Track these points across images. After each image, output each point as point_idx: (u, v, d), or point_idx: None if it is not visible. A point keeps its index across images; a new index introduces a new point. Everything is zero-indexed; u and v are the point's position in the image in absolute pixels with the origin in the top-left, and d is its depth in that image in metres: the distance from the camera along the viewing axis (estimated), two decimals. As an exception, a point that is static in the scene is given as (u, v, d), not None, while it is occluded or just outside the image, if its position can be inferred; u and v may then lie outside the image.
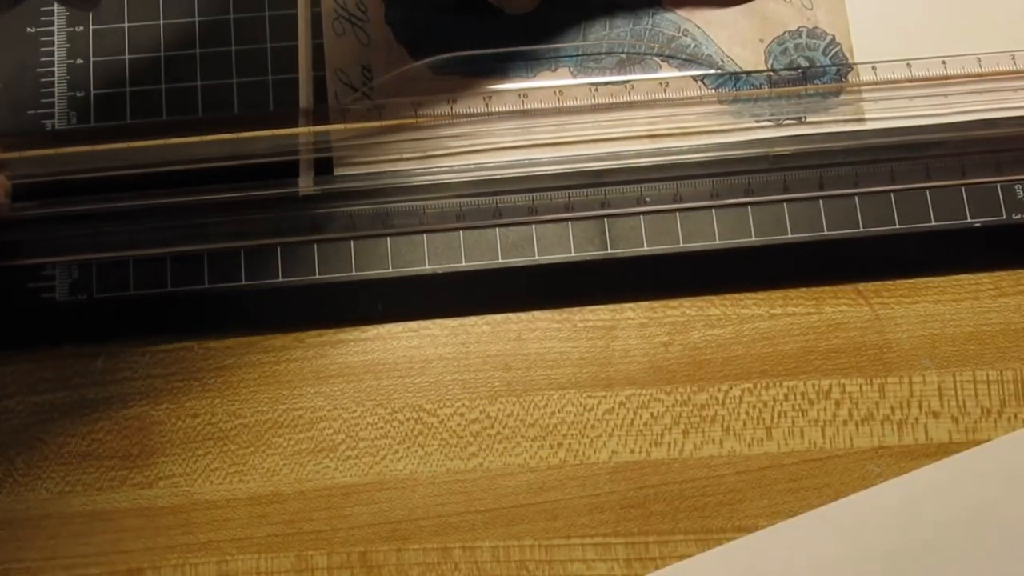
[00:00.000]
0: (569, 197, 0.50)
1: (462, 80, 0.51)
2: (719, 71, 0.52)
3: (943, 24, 0.52)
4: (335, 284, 0.49)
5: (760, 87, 0.51)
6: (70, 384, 0.48)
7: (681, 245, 0.50)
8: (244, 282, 0.49)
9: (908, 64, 0.51)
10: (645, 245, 0.50)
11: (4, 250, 0.48)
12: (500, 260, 0.49)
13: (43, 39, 0.51)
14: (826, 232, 0.50)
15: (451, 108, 0.50)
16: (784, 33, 0.52)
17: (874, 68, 0.51)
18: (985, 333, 0.49)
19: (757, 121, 0.51)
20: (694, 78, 0.51)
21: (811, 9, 0.52)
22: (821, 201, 0.50)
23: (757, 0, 0.53)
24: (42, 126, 0.50)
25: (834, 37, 0.52)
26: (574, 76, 0.51)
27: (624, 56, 0.52)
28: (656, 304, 0.49)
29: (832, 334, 0.49)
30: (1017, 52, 0.51)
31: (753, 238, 0.50)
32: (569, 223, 0.50)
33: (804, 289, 0.50)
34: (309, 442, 0.48)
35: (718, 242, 0.50)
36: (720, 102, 0.51)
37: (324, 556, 0.47)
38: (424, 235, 0.50)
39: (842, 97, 0.51)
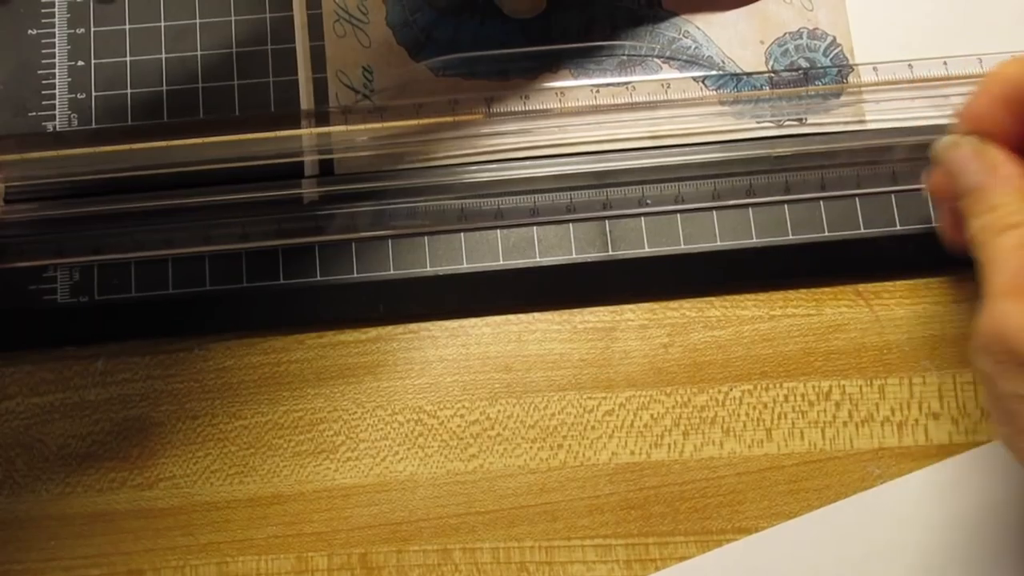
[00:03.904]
0: (571, 198, 0.50)
1: (463, 82, 0.51)
2: (720, 72, 0.51)
3: (944, 25, 0.52)
4: (336, 285, 0.49)
5: (761, 88, 0.51)
6: (71, 386, 0.48)
7: (682, 246, 0.50)
8: (245, 284, 0.49)
9: (909, 65, 0.51)
10: (646, 246, 0.50)
11: (5, 252, 0.48)
12: (501, 262, 0.49)
13: (44, 41, 0.51)
14: (827, 233, 0.50)
15: (452, 110, 0.50)
16: (785, 34, 0.52)
17: (875, 69, 0.51)
18: (985, 334, 0.49)
19: (758, 122, 0.51)
20: (695, 79, 0.51)
21: (812, 10, 0.52)
22: (822, 202, 0.50)
23: (758, 1, 0.52)
24: (43, 128, 0.50)
25: (835, 38, 0.52)
26: (575, 77, 0.51)
27: (625, 58, 0.52)
28: (656, 305, 0.49)
29: (832, 335, 0.49)
30: (1018, 53, 0.51)
31: (754, 239, 0.50)
32: (570, 224, 0.50)
33: (804, 290, 0.50)
34: (309, 443, 0.48)
35: (719, 243, 0.50)
36: (721, 103, 0.51)
37: (324, 557, 0.47)
38: (425, 237, 0.50)
39: (843, 98, 0.51)
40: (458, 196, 0.50)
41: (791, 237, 0.50)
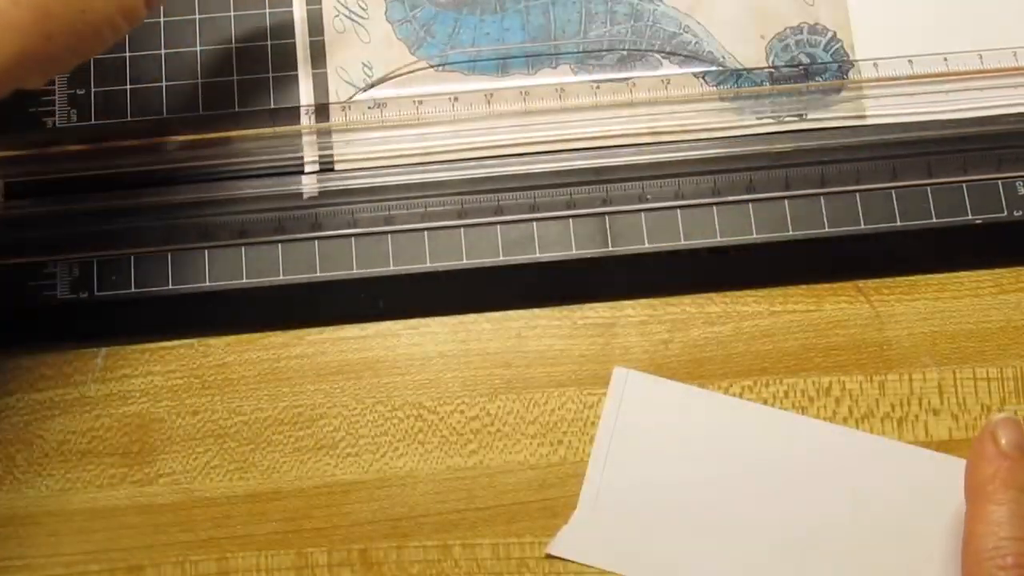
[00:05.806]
0: (571, 194, 0.50)
1: (463, 77, 0.51)
2: (720, 68, 0.51)
3: (945, 20, 0.52)
4: (336, 281, 0.49)
5: (761, 84, 0.51)
6: (71, 382, 0.48)
7: (682, 242, 0.50)
8: (245, 280, 0.49)
9: (910, 60, 0.51)
10: (646, 242, 0.50)
11: (5, 248, 0.48)
12: (501, 258, 0.49)
13: (44, 37, 0.51)
14: (827, 229, 0.50)
15: (452, 106, 0.50)
16: (785, 29, 0.52)
17: (875, 65, 0.51)
18: (985, 330, 0.49)
19: (758, 118, 0.51)
20: (695, 75, 0.51)
21: (812, 5, 0.52)
22: (822, 198, 0.50)
23: (758, -3, 0.53)
24: (43, 124, 0.50)
25: (835, 33, 0.52)
26: (575, 74, 0.51)
27: (625, 53, 0.52)
28: (656, 301, 0.49)
29: (832, 331, 0.49)
30: (1019, 49, 0.51)
31: (754, 235, 0.50)
32: (570, 220, 0.50)
33: (805, 286, 0.50)
34: (309, 439, 0.48)
35: (719, 239, 0.50)
36: (721, 99, 0.51)
37: (324, 553, 0.47)
38: (425, 232, 0.50)
39: (843, 94, 0.51)
40: (458, 192, 0.50)
41: (791, 233, 0.50)
